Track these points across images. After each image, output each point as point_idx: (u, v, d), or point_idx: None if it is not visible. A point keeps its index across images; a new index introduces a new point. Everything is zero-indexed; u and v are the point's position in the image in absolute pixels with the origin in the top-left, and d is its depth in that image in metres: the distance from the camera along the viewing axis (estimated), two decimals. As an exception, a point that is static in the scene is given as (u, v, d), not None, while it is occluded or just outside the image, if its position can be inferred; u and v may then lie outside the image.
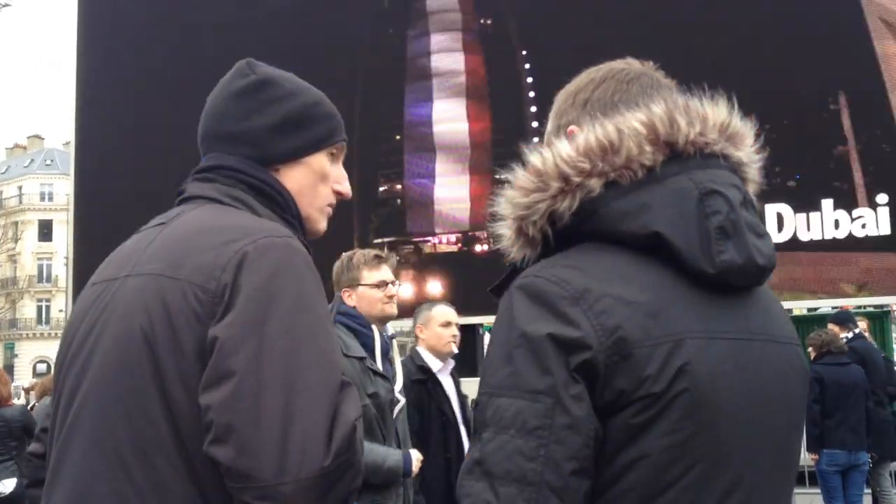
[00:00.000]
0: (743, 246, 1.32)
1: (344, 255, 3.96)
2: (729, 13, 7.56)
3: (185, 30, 9.09)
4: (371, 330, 3.83)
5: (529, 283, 1.30)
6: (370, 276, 3.88)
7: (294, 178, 1.70)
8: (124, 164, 8.99)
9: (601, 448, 1.24)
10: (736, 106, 1.42)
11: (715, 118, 1.39)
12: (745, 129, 1.43)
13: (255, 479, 1.36)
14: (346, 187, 1.79)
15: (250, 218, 1.60)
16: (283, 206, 1.67)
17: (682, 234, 1.30)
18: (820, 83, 7.27)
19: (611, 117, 1.38)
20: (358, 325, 3.79)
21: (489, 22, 8.38)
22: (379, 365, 3.76)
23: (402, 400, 3.91)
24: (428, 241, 8.27)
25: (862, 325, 8.69)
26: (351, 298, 3.85)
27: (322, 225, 1.77)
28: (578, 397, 1.23)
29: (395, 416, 3.82)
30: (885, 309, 12.40)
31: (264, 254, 1.48)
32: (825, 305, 7.20)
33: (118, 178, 8.96)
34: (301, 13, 8.63)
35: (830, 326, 8.07)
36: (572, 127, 1.45)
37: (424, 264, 8.21)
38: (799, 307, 9.65)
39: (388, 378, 3.80)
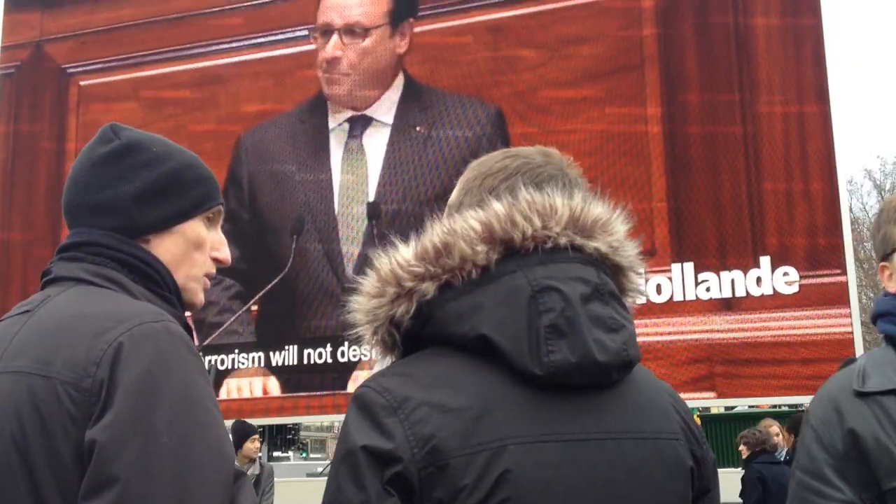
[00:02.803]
0: (579, 343, 1.25)
1: None
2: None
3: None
4: None
5: (361, 394, 1.28)
6: None
7: (167, 248, 1.56)
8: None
9: None
10: (600, 194, 1.37)
11: (563, 210, 1.32)
12: (609, 217, 1.36)
13: None
14: (224, 253, 1.66)
15: (123, 301, 1.46)
16: (159, 282, 1.53)
17: (509, 335, 1.25)
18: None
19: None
20: None
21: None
22: None
23: None
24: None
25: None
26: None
27: (200, 297, 1.63)
28: None
29: None
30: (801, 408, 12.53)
31: (141, 343, 1.35)
32: (741, 404, 7.20)
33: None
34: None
35: (767, 423, 8.05)
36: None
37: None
38: (716, 405, 9.69)
39: None
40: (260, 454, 7.84)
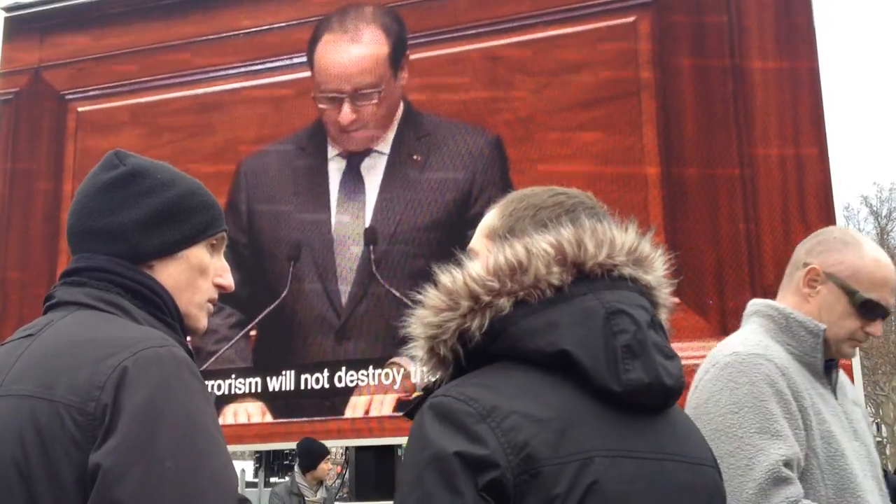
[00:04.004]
0: (650, 365, 1.32)
1: None
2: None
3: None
4: None
5: (438, 403, 1.28)
6: None
7: (170, 274, 1.58)
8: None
9: None
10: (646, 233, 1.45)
11: (622, 242, 1.40)
12: (654, 255, 1.44)
13: None
14: (228, 280, 1.68)
15: (128, 326, 1.47)
16: (162, 308, 1.54)
17: (589, 352, 1.30)
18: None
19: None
20: None
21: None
22: None
23: None
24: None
25: None
26: None
27: (203, 322, 1.64)
28: None
29: None
30: None
31: (146, 368, 1.35)
32: None
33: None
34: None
35: None
36: (474, 246, 1.48)
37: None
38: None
39: None
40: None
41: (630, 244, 1.41)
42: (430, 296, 1.37)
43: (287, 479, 6.28)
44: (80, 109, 9.40)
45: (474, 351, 1.34)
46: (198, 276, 1.61)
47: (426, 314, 1.37)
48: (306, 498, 6.54)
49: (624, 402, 1.31)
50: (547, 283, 1.33)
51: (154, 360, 1.37)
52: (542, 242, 1.36)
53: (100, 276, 1.52)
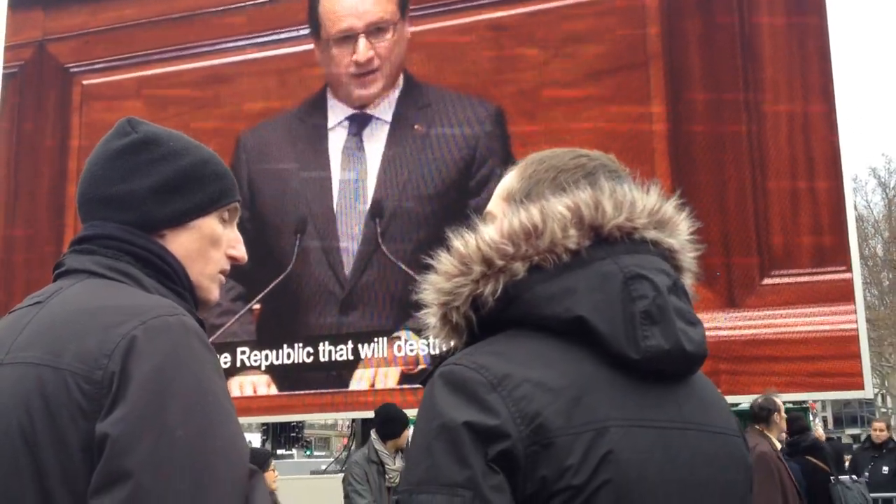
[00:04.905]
0: (670, 332, 1.28)
1: None
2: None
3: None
4: None
5: (449, 371, 1.25)
6: None
7: (182, 244, 1.55)
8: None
9: None
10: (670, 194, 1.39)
11: (644, 204, 1.36)
12: (678, 217, 1.40)
13: None
14: (241, 251, 1.65)
15: (137, 294, 1.45)
16: (173, 277, 1.52)
17: (606, 318, 1.26)
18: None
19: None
20: None
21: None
22: None
23: None
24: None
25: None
26: None
27: (215, 294, 1.62)
28: (498, 488, 1.17)
29: None
30: (805, 405, 12.57)
31: (156, 336, 1.33)
32: (745, 402, 7.18)
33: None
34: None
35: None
36: (491, 209, 1.42)
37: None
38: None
39: None
40: None
41: (652, 206, 1.36)
42: (443, 261, 1.33)
43: (364, 448, 6.15)
44: (85, 82, 9.38)
45: (488, 318, 1.31)
46: (209, 246, 1.58)
47: (438, 280, 1.33)
48: (387, 466, 6.40)
49: (642, 370, 1.27)
50: (563, 248, 1.29)
51: (164, 328, 1.35)
52: (559, 205, 1.32)
53: (110, 245, 1.50)
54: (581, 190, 1.34)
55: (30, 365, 1.36)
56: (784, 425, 6.63)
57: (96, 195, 1.55)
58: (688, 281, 1.40)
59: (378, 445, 6.49)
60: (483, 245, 1.30)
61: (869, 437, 11.33)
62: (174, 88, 9.04)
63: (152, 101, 9.00)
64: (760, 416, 6.37)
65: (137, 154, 1.55)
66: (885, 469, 10.21)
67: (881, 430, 10.86)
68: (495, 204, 1.45)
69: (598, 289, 1.27)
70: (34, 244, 9.07)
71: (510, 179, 1.45)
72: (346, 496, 5.68)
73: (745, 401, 7.14)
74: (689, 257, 1.40)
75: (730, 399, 8.04)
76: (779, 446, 6.27)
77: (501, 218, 1.34)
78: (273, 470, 6.15)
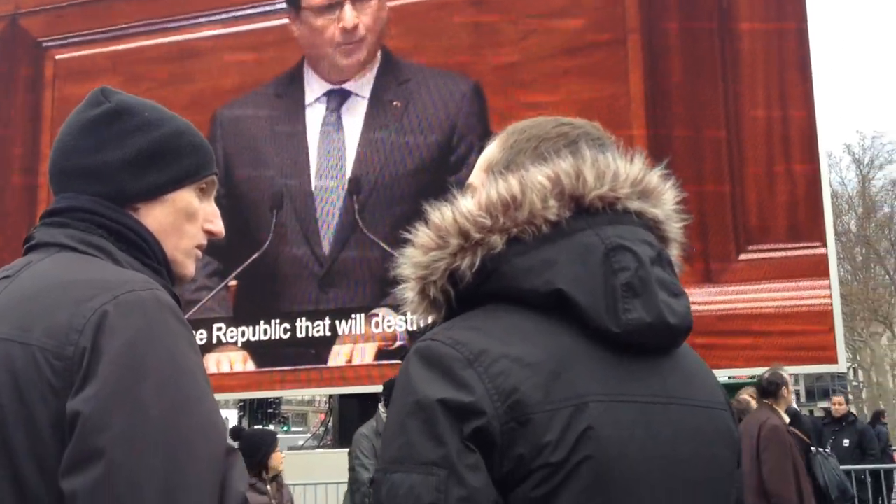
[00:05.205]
0: (652, 304, 1.24)
1: None
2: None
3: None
4: None
5: (425, 347, 1.22)
6: None
7: (156, 217, 1.50)
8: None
9: None
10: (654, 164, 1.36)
11: (627, 174, 1.32)
12: (663, 186, 1.36)
13: None
14: (218, 226, 1.60)
15: (110, 269, 1.40)
16: (147, 252, 1.47)
17: (586, 291, 1.22)
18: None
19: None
20: None
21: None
22: None
23: None
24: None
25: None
26: None
27: (190, 269, 1.57)
28: (474, 467, 1.14)
29: None
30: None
31: (129, 311, 1.28)
32: (721, 376, 7.22)
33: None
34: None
35: (747, 395, 8.06)
36: (472, 181, 1.38)
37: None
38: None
39: None
40: None
41: (635, 175, 1.32)
42: (420, 234, 1.29)
43: (372, 420, 6.14)
44: (57, 57, 9.26)
45: (466, 292, 1.27)
46: (185, 220, 1.53)
47: (415, 254, 1.29)
48: None
49: (624, 344, 1.23)
50: (543, 219, 1.25)
51: (136, 303, 1.30)
52: (539, 175, 1.28)
53: (82, 217, 1.45)
54: (562, 159, 1.30)
55: None
56: (791, 399, 6.65)
57: (68, 166, 1.50)
58: (674, 252, 1.37)
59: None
60: (460, 217, 1.27)
61: (829, 411, 11.57)
62: (148, 64, 8.95)
63: (126, 75, 8.89)
64: (769, 390, 6.36)
65: (111, 124, 1.50)
66: (846, 442, 10.48)
67: (840, 405, 11.15)
68: (476, 175, 1.42)
69: (579, 261, 1.24)
70: (8, 223, 8.98)
71: (491, 150, 1.41)
72: (352, 469, 5.67)
73: (720, 375, 7.19)
74: (675, 227, 1.37)
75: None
76: (787, 420, 6.28)
77: (480, 189, 1.31)
78: (280, 451, 6.13)
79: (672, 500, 1.23)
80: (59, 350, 1.26)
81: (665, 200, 1.36)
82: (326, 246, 8.07)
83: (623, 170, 1.32)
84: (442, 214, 1.28)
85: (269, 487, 5.72)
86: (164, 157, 1.51)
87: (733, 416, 1.40)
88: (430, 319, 1.33)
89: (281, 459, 6.03)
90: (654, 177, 1.35)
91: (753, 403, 7.97)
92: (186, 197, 1.54)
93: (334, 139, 8.29)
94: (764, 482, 5.94)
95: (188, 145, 1.55)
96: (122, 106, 1.52)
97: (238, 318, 8.27)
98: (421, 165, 7.95)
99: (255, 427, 7.25)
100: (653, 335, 1.25)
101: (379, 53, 8.27)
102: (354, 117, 8.24)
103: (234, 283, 8.28)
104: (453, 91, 7.99)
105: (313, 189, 8.24)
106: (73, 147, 1.50)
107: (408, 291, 1.31)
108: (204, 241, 1.59)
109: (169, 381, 1.27)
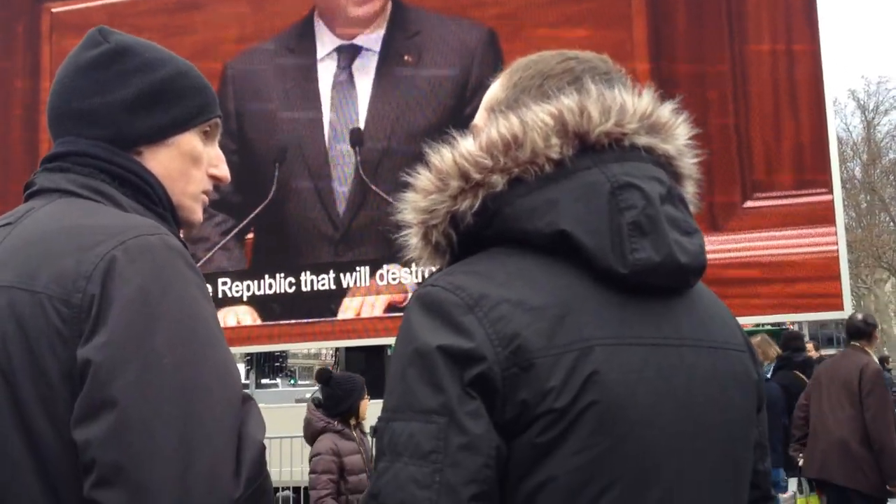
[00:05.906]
0: (661, 243, 1.21)
1: None
2: None
3: None
4: None
5: (425, 293, 1.20)
6: None
7: (160, 161, 1.46)
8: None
9: (506, 473, 1.13)
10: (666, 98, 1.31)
11: (635, 108, 1.27)
12: (674, 120, 1.31)
13: None
14: (223, 171, 1.56)
15: (115, 214, 1.36)
16: (152, 197, 1.43)
17: (591, 231, 1.19)
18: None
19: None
20: None
21: None
22: None
23: None
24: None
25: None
26: None
27: (198, 215, 1.53)
28: (475, 414, 1.12)
29: None
30: (784, 327, 12.66)
31: (137, 257, 1.25)
32: None
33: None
34: None
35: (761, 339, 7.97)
36: (476, 122, 1.35)
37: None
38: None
39: None
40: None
41: (644, 110, 1.27)
42: (420, 177, 1.27)
43: None
44: (54, 10, 9.14)
45: (468, 236, 1.25)
46: (190, 164, 1.49)
47: (416, 198, 1.27)
48: None
49: (631, 285, 1.20)
50: (545, 158, 1.22)
51: (145, 248, 1.26)
52: (541, 112, 1.24)
53: (84, 162, 1.41)
54: (566, 96, 1.25)
55: (2, 288, 1.27)
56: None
57: (67, 109, 1.46)
58: (689, 188, 1.32)
59: None
60: (459, 159, 1.24)
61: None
62: (147, 16, 8.83)
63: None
64: (865, 331, 6.15)
65: (110, 65, 1.46)
66: None
67: (811, 351, 11.08)
68: (479, 116, 1.39)
69: (583, 200, 1.20)
70: (8, 178, 8.93)
71: (495, 89, 1.38)
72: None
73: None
74: (688, 163, 1.32)
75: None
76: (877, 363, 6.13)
77: (482, 130, 1.27)
78: (367, 397, 6.02)
79: (685, 443, 1.20)
80: (66, 297, 1.23)
81: (677, 135, 1.31)
82: (339, 200, 8.00)
83: (630, 104, 1.27)
84: (442, 156, 1.25)
85: (355, 433, 5.65)
86: (166, 99, 1.47)
87: (754, 358, 1.36)
88: (436, 266, 1.30)
89: (367, 406, 5.91)
90: (665, 111, 1.31)
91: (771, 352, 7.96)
92: (191, 140, 1.50)
93: (346, 94, 8.20)
94: (868, 428, 5.77)
95: (191, 87, 1.51)
96: (122, 46, 1.48)
97: (246, 272, 8.26)
98: (435, 122, 7.88)
99: (349, 373, 7.23)
100: (663, 275, 1.22)
101: (389, 4, 8.15)
102: (366, 72, 8.13)
103: (250, 237, 8.26)
104: (466, 40, 7.88)
105: (327, 142, 8.18)
106: (71, 89, 1.46)
107: (411, 237, 1.28)
108: (210, 187, 1.56)
109: (181, 327, 1.24)
